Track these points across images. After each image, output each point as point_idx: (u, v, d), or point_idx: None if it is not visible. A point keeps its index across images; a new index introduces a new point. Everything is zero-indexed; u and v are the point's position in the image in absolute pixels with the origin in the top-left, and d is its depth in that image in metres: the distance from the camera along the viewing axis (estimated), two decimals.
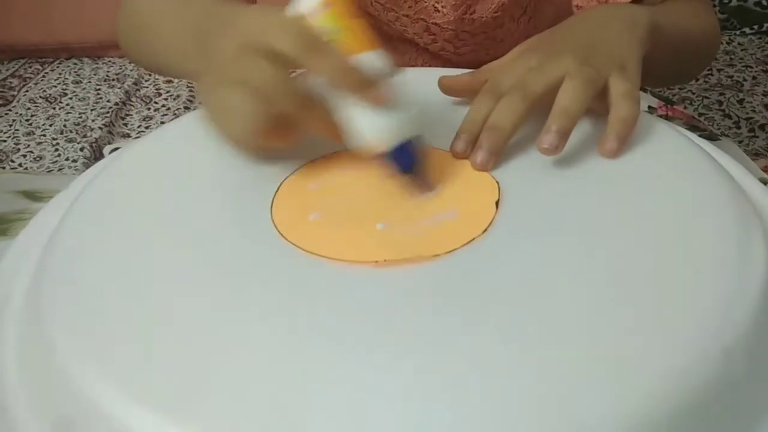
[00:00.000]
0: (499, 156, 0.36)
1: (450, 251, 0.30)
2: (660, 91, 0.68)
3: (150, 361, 0.26)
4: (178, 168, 0.39)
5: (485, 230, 0.32)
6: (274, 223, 0.33)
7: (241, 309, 0.28)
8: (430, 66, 0.66)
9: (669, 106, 0.61)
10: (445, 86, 0.43)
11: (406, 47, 0.67)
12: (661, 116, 0.58)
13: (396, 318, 0.27)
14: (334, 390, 0.24)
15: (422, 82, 0.44)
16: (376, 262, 0.30)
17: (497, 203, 0.33)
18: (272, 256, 0.31)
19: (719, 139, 0.54)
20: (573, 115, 0.35)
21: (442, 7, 0.60)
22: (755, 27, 1.26)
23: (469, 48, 0.63)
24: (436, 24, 0.61)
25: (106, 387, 0.26)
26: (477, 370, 0.25)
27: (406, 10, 0.61)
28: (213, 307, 0.29)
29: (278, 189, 0.36)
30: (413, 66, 0.67)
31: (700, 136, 0.50)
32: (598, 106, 0.37)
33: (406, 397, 0.24)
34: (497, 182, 0.35)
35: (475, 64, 0.44)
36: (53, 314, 0.29)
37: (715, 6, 1.26)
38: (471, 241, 0.31)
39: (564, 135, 0.35)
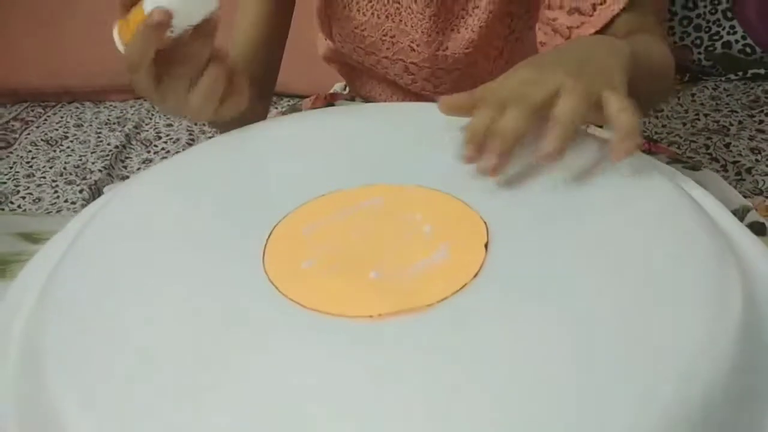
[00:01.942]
0: (508, 159, 0.38)
1: (441, 300, 0.31)
2: (644, 132, 0.71)
3: (141, 411, 0.27)
4: (171, 211, 0.39)
5: (476, 275, 0.32)
6: (267, 273, 0.33)
7: (234, 363, 0.29)
8: None
9: (653, 143, 0.63)
10: (445, 106, 0.43)
11: (392, 89, 0.70)
12: (644, 152, 0.60)
13: (391, 374, 0.28)
14: None
15: (407, 115, 0.46)
16: (371, 316, 0.30)
17: (486, 245, 0.34)
18: (267, 311, 0.31)
19: (701, 170, 0.56)
20: (570, 126, 0.36)
21: (417, 45, 0.63)
22: (740, 73, 1.29)
23: (447, 86, 0.66)
24: (414, 63, 0.65)
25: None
26: (469, 420, 0.25)
27: (385, 52, 0.65)
28: (205, 361, 0.29)
29: (270, 234, 0.36)
30: None
31: (683, 166, 0.52)
32: (594, 118, 0.38)
33: None
34: (485, 222, 0.36)
35: None
36: (50, 357, 0.30)
37: (700, 54, 1.30)
38: (461, 288, 0.32)
39: (563, 141, 0.36)
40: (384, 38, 0.64)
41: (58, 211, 1.02)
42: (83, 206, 1.02)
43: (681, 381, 0.26)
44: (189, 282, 0.34)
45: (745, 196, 0.97)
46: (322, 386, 0.27)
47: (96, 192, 1.05)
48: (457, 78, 0.65)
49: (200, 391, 0.27)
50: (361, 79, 0.73)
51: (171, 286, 0.33)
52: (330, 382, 0.27)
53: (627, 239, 0.35)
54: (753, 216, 0.48)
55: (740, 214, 0.48)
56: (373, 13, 0.63)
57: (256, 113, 0.62)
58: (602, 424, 0.25)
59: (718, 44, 1.29)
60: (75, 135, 1.24)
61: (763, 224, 0.48)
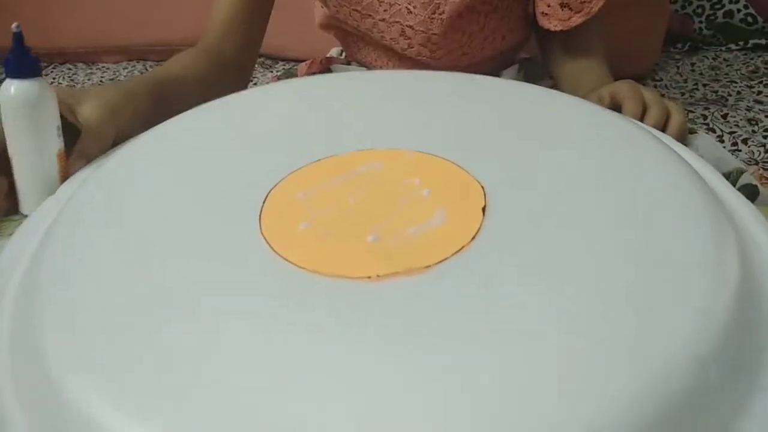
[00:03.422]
0: None
1: (439, 262, 0.31)
2: None
3: (140, 374, 0.27)
4: (164, 176, 0.39)
5: (473, 238, 0.32)
6: (263, 235, 0.33)
7: (234, 325, 0.29)
8: None
9: None
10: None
11: (388, 55, 0.70)
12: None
13: (389, 333, 0.28)
14: (332, 408, 0.25)
15: (405, 81, 0.45)
16: (369, 277, 0.30)
17: (483, 209, 0.34)
18: (265, 273, 0.31)
19: (696, 132, 0.57)
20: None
21: (414, 7, 0.63)
22: (740, 43, 1.28)
23: (443, 52, 0.65)
24: (410, 27, 0.64)
25: (95, 397, 0.26)
26: (463, 382, 0.26)
27: (382, 14, 0.64)
28: (204, 323, 0.29)
29: (266, 199, 0.36)
30: None
31: None
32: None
33: (403, 411, 0.24)
34: (482, 187, 0.36)
35: (452, 69, 0.46)
36: (43, 322, 0.30)
37: (701, 22, 1.28)
38: (459, 250, 0.32)
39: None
40: None
41: None
42: None
43: (677, 348, 0.27)
44: (185, 245, 0.34)
45: None
46: (323, 346, 0.27)
47: None
48: (452, 45, 0.65)
49: (198, 350, 0.27)
50: (358, 44, 0.72)
51: (167, 249, 0.33)
52: (330, 342, 0.28)
53: (622, 202, 0.35)
54: (746, 178, 0.49)
55: (734, 176, 0.49)
56: None
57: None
58: (607, 381, 0.25)
59: (720, 13, 1.27)
60: None
61: (755, 186, 0.48)
